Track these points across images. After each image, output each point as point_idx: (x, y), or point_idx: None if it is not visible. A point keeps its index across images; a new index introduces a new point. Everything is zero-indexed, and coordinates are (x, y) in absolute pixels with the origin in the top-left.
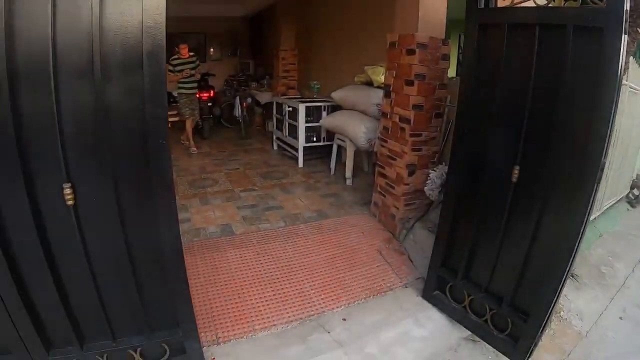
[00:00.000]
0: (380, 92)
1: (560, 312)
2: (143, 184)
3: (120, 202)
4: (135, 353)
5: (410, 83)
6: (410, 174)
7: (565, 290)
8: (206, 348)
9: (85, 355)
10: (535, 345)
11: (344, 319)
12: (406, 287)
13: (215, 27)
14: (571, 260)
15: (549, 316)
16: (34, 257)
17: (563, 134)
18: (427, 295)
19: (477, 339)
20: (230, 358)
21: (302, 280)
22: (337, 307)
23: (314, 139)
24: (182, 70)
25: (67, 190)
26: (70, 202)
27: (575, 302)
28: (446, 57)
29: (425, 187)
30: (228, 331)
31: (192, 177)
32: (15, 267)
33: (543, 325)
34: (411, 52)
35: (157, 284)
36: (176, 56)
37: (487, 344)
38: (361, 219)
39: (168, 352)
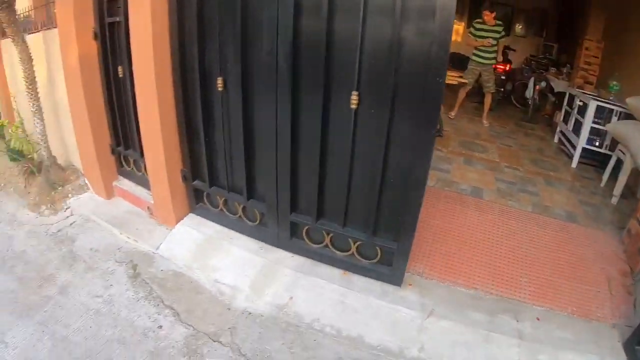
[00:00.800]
0: None
1: None
2: (413, 113)
3: (391, 120)
4: (354, 244)
5: None
6: None
7: None
8: (409, 274)
9: (316, 227)
10: None
11: (538, 319)
12: (614, 327)
13: (525, 2)
14: None
15: None
16: (313, 145)
17: None
18: (628, 346)
19: None
20: (424, 291)
21: (520, 264)
22: (538, 305)
23: (597, 143)
24: (482, 37)
25: (354, 97)
26: (354, 106)
27: None
28: None
29: None
30: (434, 272)
31: (465, 139)
32: (296, 153)
33: None
34: None
35: (395, 199)
36: (480, 20)
37: None
38: (607, 240)
39: (378, 257)
